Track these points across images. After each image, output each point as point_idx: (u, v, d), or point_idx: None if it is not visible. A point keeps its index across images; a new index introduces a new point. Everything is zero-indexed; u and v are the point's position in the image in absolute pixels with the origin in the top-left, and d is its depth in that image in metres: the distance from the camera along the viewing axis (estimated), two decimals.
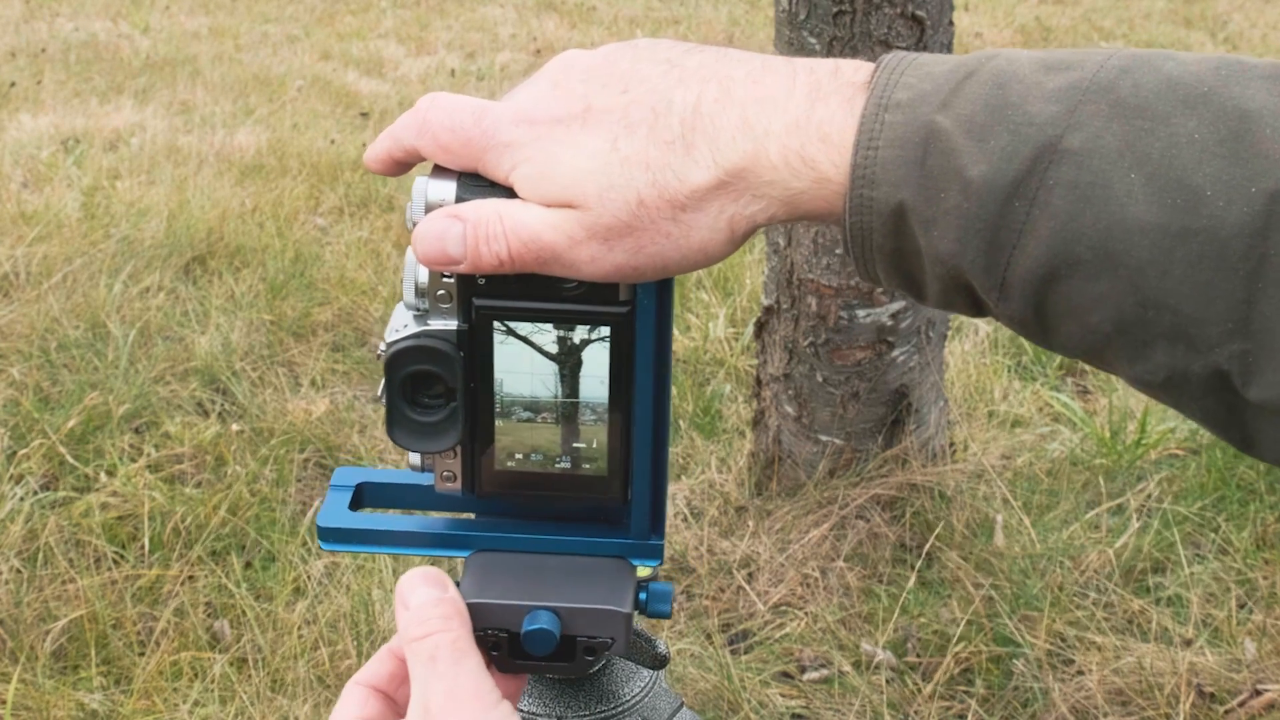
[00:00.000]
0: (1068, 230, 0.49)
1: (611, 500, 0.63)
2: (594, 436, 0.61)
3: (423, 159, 0.59)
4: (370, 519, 0.66)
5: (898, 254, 0.54)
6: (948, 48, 2.42)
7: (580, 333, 0.59)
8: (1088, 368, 3.41)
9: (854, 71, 0.55)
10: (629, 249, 0.55)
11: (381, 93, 6.32)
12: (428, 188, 0.57)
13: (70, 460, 2.79)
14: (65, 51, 6.87)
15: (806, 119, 0.54)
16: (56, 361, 3.21)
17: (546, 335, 0.59)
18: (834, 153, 0.53)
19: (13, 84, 6.06)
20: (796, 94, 0.54)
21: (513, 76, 6.71)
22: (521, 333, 0.59)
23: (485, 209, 0.56)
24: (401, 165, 0.60)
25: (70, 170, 4.74)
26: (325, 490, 2.78)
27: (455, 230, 0.55)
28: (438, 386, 0.60)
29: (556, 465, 0.62)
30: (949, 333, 2.97)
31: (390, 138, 0.59)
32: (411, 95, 6.24)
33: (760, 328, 2.73)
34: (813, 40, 2.37)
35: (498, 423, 0.61)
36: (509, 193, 0.56)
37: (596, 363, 0.59)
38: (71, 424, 2.88)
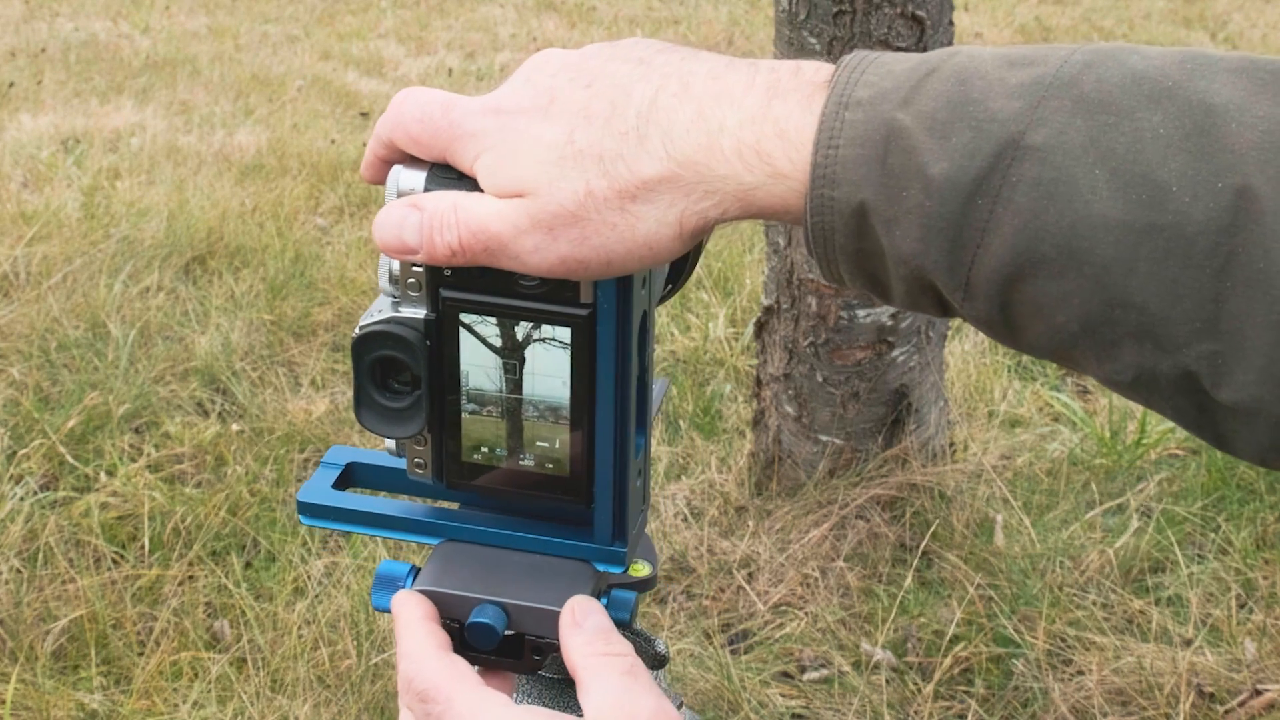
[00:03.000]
0: (1031, 228, 0.49)
1: (574, 502, 0.63)
2: (556, 437, 0.61)
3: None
4: (350, 498, 0.67)
5: (861, 254, 0.53)
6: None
7: (524, 329, 0.59)
8: None
9: (815, 72, 0.55)
10: (574, 240, 0.54)
11: (381, 93, 6.32)
12: (399, 177, 0.58)
13: (70, 460, 2.79)
14: (65, 51, 6.87)
15: (763, 114, 0.53)
16: (56, 361, 3.21)
17: (490, 328, 0.59)
18: (791, 149, 0.53)
19: (12, 84, 6.06)
20: (754, 91, 0.54)
21: None
22: (470, 324, 0.59)
23: (443, 200, 0.56)
24: (390, 166, 0.61)
25: (70, 170, 4.74)
26: None
27: (413, 219, 0.56)
28: (406, 373, 0.61)
29: (521, 462, 0.62)
30: (949, 333, 2.98)
31: (374, 140, 0.60)
32: None
33: (760, 328, 2.73)
34: (813, 40, 2.37)
35: (463, 414, 0.61)
36: (475, 185, 0.57)
37: (557, 363, 0.59)
38: (71, 424, 2.88)
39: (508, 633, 0.60)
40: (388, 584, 0.63)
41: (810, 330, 2.59)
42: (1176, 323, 0.48)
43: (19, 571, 2.44)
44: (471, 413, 0.61)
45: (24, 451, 2.78)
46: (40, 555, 2.48)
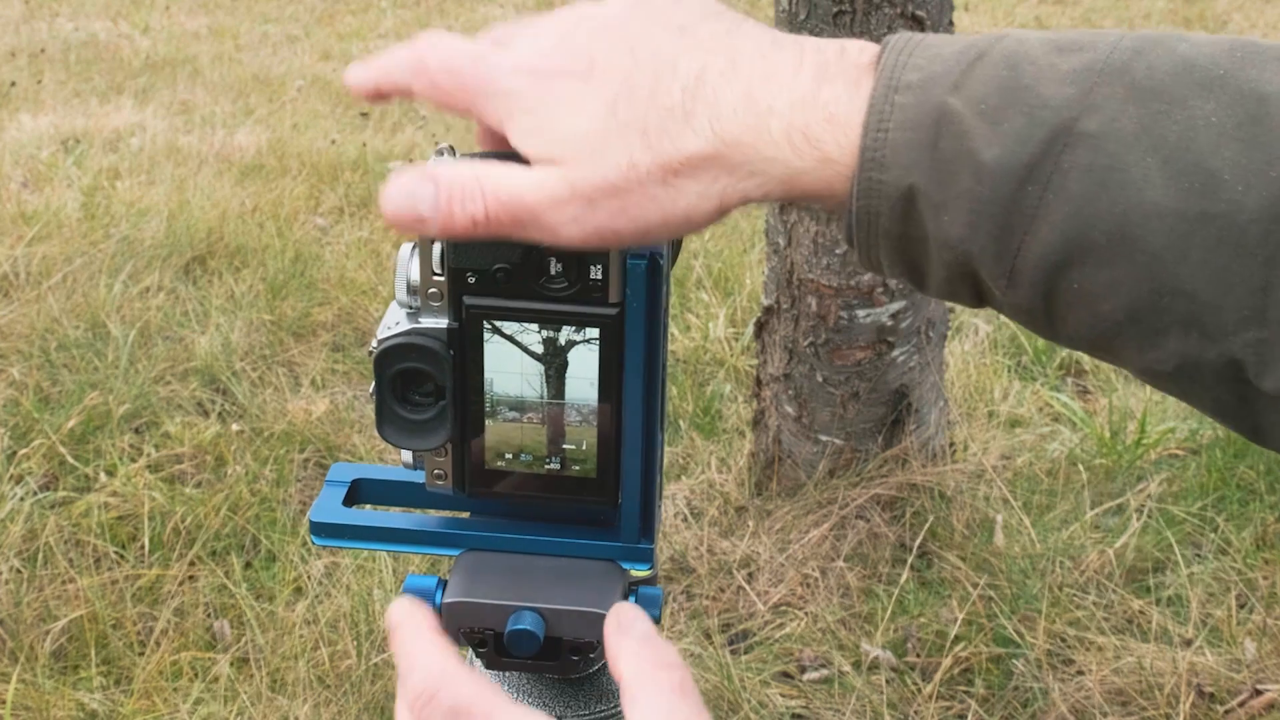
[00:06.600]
0: (1082, 215, 0.49)
1: (601, 503, 0.62)
2: (583, 438, 0.61)
3: (411, 97, 0.58)
4: (363, 515, 0.66)
5: (904, 239, 0.53)
6: None
7: (566, 333, 0.58)
8: (1089, 367, 3.41)
9: (859, 53, 0.54)
10: (612, 210, 0.53)
11: None
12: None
13: (70, 460, 2.79)
14: (65, 51, 6.87)
15: (813, 98, 0.53)
16: (56, 361, 3.21)
17: (532, 335, 0.58)
18: (840, 134, 0.52)
19: (13, 84, 6.06)
20: (803, 73, 0.54)
21: None
22: (508, 332, 0.58)
23: (461, 170, 0.54)
24: (382, 98, 0.59)
25: (70, 170, 4.74)
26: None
27: (427, 189, 0.54)
28: (428, 384, 0.60)
29: (545, 466, 0.61)
30: (949, 333, 2.98)
31: (380, 69, 0.58)
32: None
33: (760, 328, 2.73)
34: None
35: (486, 422, 0.60)
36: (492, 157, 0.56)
37: (585, 364, 0.59)
38: (71, 424, 2.88)
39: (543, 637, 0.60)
40: (420, 598, 0.61)
41: (810, 330, 2.59)
42: (1225, 310, 0.48)
43: (19, 571, 2.44)
44: (497, 420, 0.60)
45: (24, 451, 2.78)
46: (40, 555, 2.48)
